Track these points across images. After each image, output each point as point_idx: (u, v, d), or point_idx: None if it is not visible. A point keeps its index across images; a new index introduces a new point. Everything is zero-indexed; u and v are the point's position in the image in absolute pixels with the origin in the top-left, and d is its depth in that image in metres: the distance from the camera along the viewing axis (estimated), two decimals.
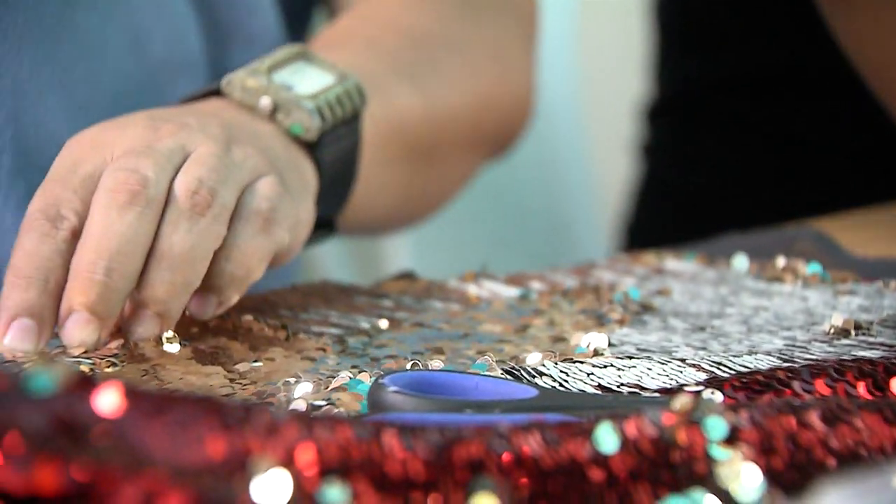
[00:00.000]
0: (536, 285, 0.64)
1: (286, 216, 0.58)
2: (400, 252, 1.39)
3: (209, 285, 0.56)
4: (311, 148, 0.62)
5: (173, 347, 0.54)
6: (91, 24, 0.68)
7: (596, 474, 0.37)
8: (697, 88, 1.07)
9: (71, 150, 0.57)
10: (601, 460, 0.37)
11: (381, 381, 0.43)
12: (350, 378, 0.48)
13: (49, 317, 0.53)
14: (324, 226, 0.65)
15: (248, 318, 0.57)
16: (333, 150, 0.63)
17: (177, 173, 0.56)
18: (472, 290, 0.63)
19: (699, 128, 1.08)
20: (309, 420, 0.33)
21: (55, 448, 0.30)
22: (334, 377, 0.49)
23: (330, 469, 0.32)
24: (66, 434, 0.31)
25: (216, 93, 0.62)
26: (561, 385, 0.48)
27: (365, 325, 0.58)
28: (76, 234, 0.54)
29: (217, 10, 0.75)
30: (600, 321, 0.58)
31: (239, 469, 0.31)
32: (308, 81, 0.63)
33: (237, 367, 0.52)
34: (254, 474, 0.31)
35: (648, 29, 1.16)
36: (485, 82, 0.80)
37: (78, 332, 0.53)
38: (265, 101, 0.61)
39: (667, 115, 1.11)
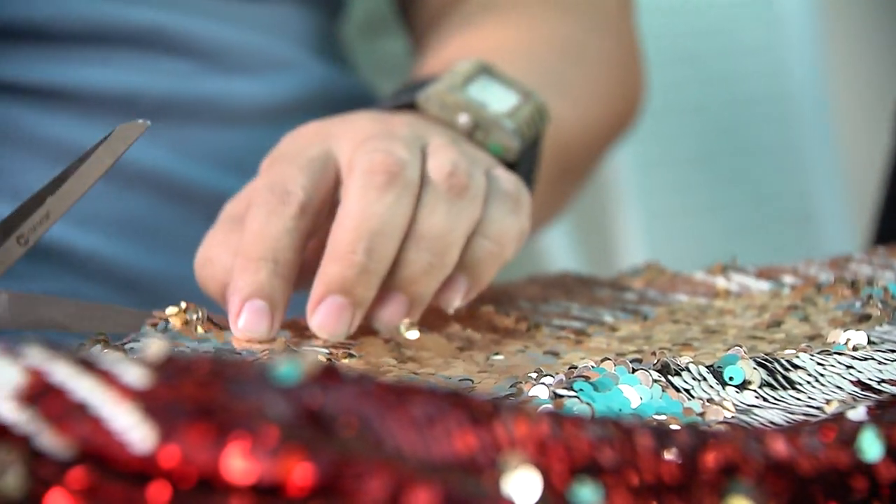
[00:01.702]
0: (789, 279, 0.63)
1: (528, 202, 0.59)
2: (633, 243, 1.39)
3: (462, 267, 0.56)
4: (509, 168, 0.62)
5: (413, 334, 0.54)
6: None
7: (859, 483, 0.36)
8: None
9: (293, 138, 0.58)
10: (864, 468, 0.36)
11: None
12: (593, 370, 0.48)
13: (280, 298, 0.54)
14: None
15: (489, 309, 0.58)
16: (523, 171, 0.64)
17: (423, 160, 0.57)
18: (721, 283, 0.63)
19: None
20: (559, 417, 0.33)
21: (301, 439, 0.31)
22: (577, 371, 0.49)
23: (581, 468, 0.33)
24: (311, 425, 0.32)
25: (409, 106, 0.63)
26: (816, 380, 0.47)
27: (608, 318, 0.58)
28: (305, 211, 0.55)
29: None
30: (858, 317, 0.57)
31: (488, 465, 0.32)
32: (497, 99, 0.63)
33: (478, 359, 0.53)
34: (504, 471, 0.32)
35: None
36: (618, 86, 0.82)
37: (332, 318, 0.54)
38: (464, 119, 0.62)
39: None
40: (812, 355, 0.49)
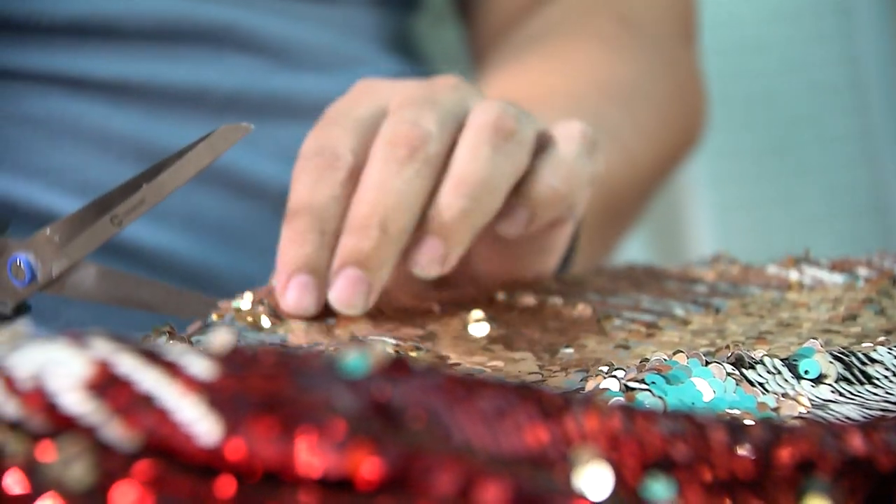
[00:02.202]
0: (863, 272, 0.62)
1: (602, 147, 0.58)
2: (703, 234, 1.38)
3: (523, 201, 0.56)
4: None
5: (482, 328, 0.54)
6: None
7: None
8: None
9: (344, 98, 0.58)
10: None
11: None
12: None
13: (326, 271, 0.54)
14: None
15: (557, 301, 0.57)
16: None
17: (459, 131, 0.56)
18: (794, 276, 0.62)
19: None
20: (631, 411, 0.32)
21: (370, 432, 0.31)
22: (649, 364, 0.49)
23: (654, 463, 0.32)
24: (379, 418, 0.32)
25: None
26: (895, 374, 0.47)
27: (679, 311, 0.58)
28: (353, 175, 0.55)
29: None
30: None
31: (559, 459, 0.31)
32: None
33: (547, 352, 0.52)
34: (575, 465, 0.31)
35: None
36: (674, 124, 0.81)
37: (348, 291, 0.54)
38: None
39: None
40: (890, 349, 0.48)
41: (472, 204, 0.54)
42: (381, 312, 0.55)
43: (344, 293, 0.54)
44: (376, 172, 0.54)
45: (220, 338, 0.34)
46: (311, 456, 0.31)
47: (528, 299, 0.58)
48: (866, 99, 1.57)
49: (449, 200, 0.54)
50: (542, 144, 0.58)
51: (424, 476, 0.31)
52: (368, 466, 0.31)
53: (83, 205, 0.54)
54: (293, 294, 0.54)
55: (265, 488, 0.31)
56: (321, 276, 0.54)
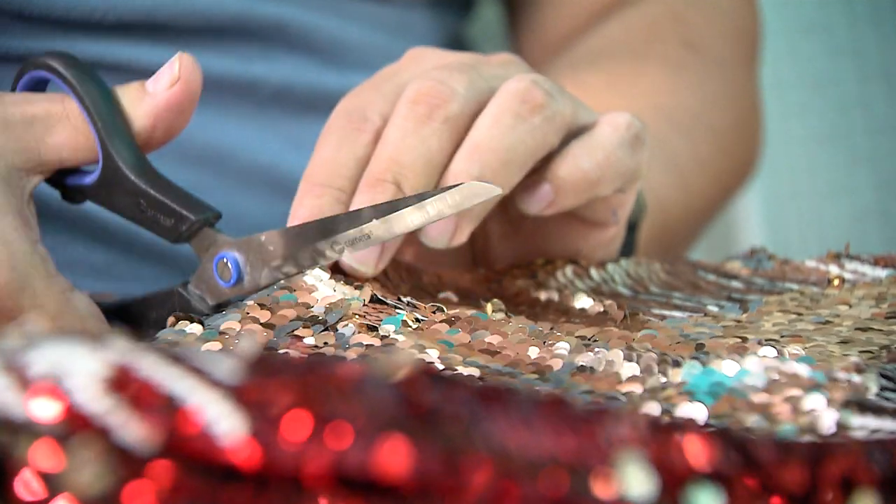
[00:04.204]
0: None
1: (647, 143, 0.58)
2: (752, 227, 1.38)
3: (550, 178, 0.56)
4: None
5: (497, 316, 0.54)
6: None
7: None
8: None
9: (393, 64, 0.59)
10: None
11: None
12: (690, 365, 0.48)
13: None
14: None
15: (583, 296, 0.58)
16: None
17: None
18: (834, 270, 0.63)
19: None
20: (672, 419, 0.33)
21: (403, 432, 0.32)
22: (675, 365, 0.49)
23: (696, 471, 0.33)
24: (412, 419, 0.32)
25: None
26: None
27: (712, 308, 0.58)
28: (379, 138, 0.56)
29: None
30: None
31: (596, 464, 0.32)
32: None
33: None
34: (613, 469, 0.32)
35: None
36: (732, 154, 0.82)
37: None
38: None
39: None
40: None
41: (484, 172, 0.54)
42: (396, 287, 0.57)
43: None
44: (394, 129, 0.55)
45: (248, 340, 0.34)
46: (337, 457, 0.32)
47: (551, 294, 0.59)
48: None
49: (460, 166, 0.54)
50: (584, 129, 0.58)
51: (459, 476, 0.31)
52: (402, 467, 0.31)
53: (304, 222, 0.55)
54: None
55: (288, 492, 0.32)
56: None
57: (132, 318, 0.58)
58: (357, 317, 0.52)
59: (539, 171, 0.57)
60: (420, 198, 0.52)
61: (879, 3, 1.58)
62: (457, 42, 0.84)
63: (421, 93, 0.55)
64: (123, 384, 0.33)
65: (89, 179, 0.57)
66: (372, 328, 0.51)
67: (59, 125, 0.56)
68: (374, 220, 0.52)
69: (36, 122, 0.55)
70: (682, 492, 0.33)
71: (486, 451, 0.32)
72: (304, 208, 0.55)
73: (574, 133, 0.58)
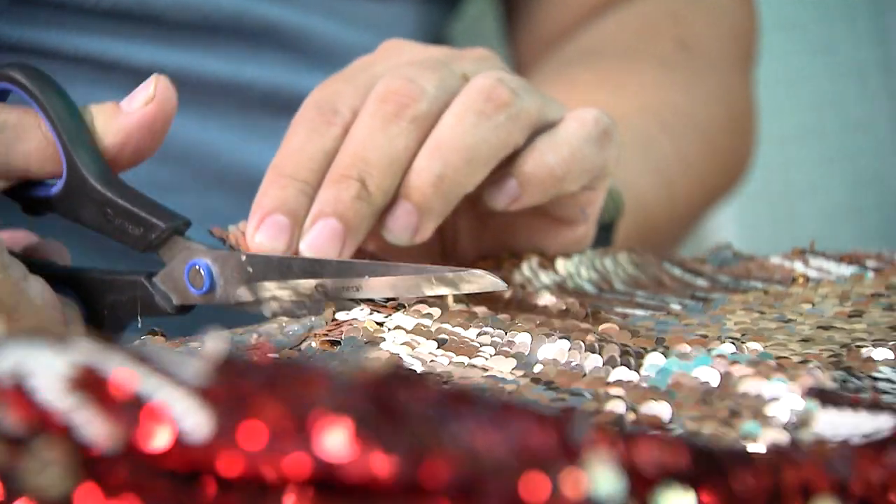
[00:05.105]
0: (872, 264, 0.63)
1: (617, 139, 0.58)
2: (724, 225, 1.39)
3: (515, 174, 0.57)
4: None
5: (458, 307, 0.54)
6: None
7: None
8: None
9: (367, 55, 0.60)
10: None
11: None
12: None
13: (304, 218, 0.55)
14: None
15: (546, 293, 0.58)
16: None
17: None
18: (799, 268, 0.63)
19: None
20: (624, 418, 0.33)
21: (374, 431, 0.32)
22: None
23: (666, 473, 0.33)
24: (382, 418, 0.33)
25: None
26: None
27: (675, 306, 0.58)
28: (348, 131, 0.56)
29: None
30: None
31: (566, 464, 0.32)
32: None
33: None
34: (582, 470, 0.32)
35: None
36: (721, 158, 0.82)
37: (320, 241, 0.55)
38: None
39: None
40: (895, 368, 0.48)
41: (446, 170, 0.55)
42: None
43: (316, 242, 0.55)
44: (362, 126, 0.56)
45: (214, 343, 0.34)
46: (309, 457, 0.32)
47: (515, 290, 0.59)
48: (895, 82, 1.56)
49: (423, 164, 0.55)
50: (550, 126, 0.59)
51: (429, 473, 0.32)
52: (376, 464, 0.31)
53: (292, 255, 0.55)
54: (266, 233, 0.55)
55: (253, 492, 0.32)
56: (297, 221, 0.55)
57: (86, 293, 0.58)
58: (317, 336, 0.52)
59: (505, 166, 0.58)
60: (421, 268, 0.53)
61: (852, 1, 1.59)
62: (442, 41, 0.85)
63: (391, 91, 0.56)
64: (88, 383, 0.33)
65: (53, 190, 0.57)
66: (335, 342, 0.52)
67: (30, 134, 0.56)
68: (368, 277, 0.53)
69: (7, 128, 0.56)
70: (651, 493, 0.33)
71: (454, 449, 0.32)
72: (268, 198, 0.56)
73: (542, 129, 0.59)
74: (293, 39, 0.77)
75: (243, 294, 0.55)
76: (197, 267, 0.56)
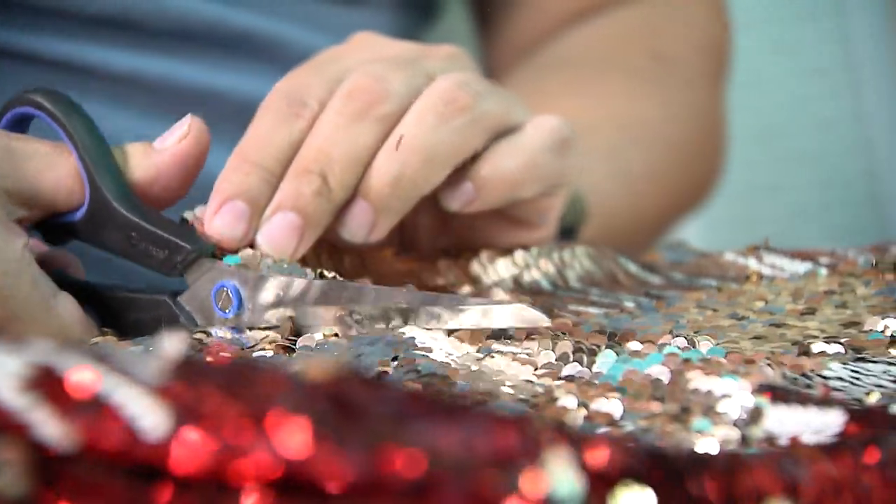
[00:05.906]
0: (826, 261, 0.63)
1: (576, 146, 0.59)
2: (686, 225, 1.39)
3: (472, 177, 0.57)
4: None
5: None
6: None
7: None
8: None
9: (338, 46, 0.60)
10: None
11: None
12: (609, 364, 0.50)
13: (265, 206, 0.56)
14: None
15: (500, 292, 0.59)
16: None
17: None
18: (753, 264, 0.64)
19: None
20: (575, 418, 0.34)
21: (332, 430, 0.32)
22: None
23: (622, 473, 0.34)
24: (339, 417, 0.33)
25: None
26: (852, 384, 0.47)
27: (629, 304, 0.59)
28: (313, 124, 0.57)
29: None
30: None
31: (526, 463, 0.33)
32: None
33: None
34: (541, 469, 0.33)
35: None
36: (689, 172, 0.83)
37: (278, 233, 0.55)
38: None
39: None
40: (845, 363, 0.49)
41: (404, 170, 0.56)
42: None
43: (274, 234, 0.55)
44: (327, 122, 0.56)
45: (172, 343, 0.35)
46: (266, 455, 0.32)
47: (466, 289, 0.60)
48: (859, 80, 1.57)
49: (381, 164, 0.56)
50: (513, 130, 0.60)
51: (387, 472, 0.32)
52: (335, 463, 0.32)
53: (329, 278, 0.54)
54: (224, 219, 0.55)
55: (211, 492, 0.32)
56: (257, 210, 0.56)
57: (108, 310, 0.58)
58: (272, 344, 0.53)
59: (463, 169, 0.59)
60: (454, 300, 0.52)
61: (816, 1, 1.60)
62: None
63: (358, 88, 0.57)
64: (44, 382, 0.33)
65: (77, 216, 0.57)
66: (289, 349, 0.52)
67: (61, 163, 0.56)
68: (404, 304, 0.52)
69: (38, 156, 0.56)
70: (609, 492, 0.34)
71: (413, 449, 0.33)
72: (230, 184, 0.56)
73: (504, 133, 0.59)
74: (268, 47, 0.78)
75: (272, 318, 0.55)
76: (225, 289, 0.55)
